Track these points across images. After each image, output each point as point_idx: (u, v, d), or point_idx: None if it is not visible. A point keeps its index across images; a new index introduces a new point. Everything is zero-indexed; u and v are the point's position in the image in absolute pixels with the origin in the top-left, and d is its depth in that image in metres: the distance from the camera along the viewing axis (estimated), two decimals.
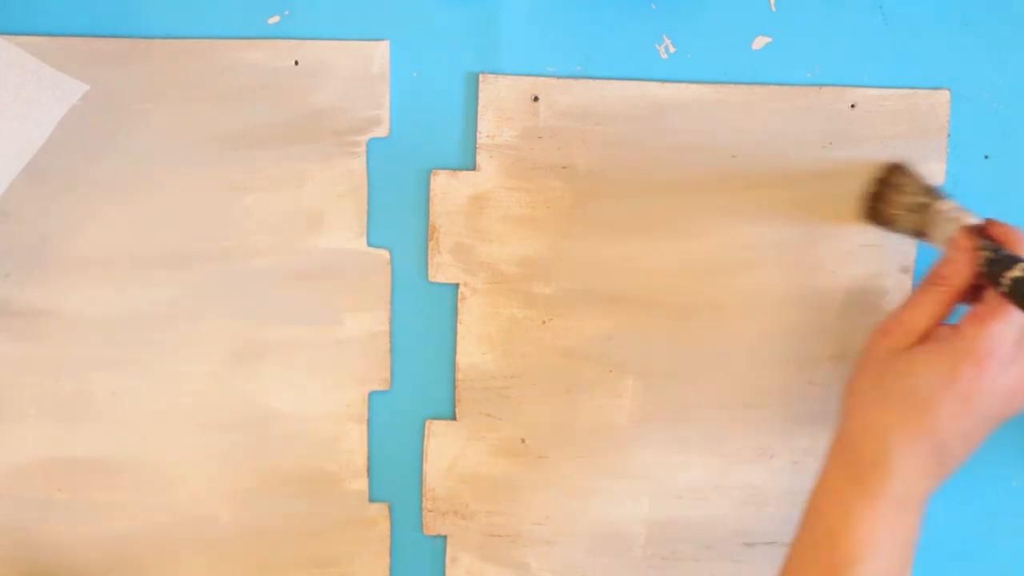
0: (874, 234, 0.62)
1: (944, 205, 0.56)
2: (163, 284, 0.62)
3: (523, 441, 0.63)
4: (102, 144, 0.61)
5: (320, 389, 0.63)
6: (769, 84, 0.62)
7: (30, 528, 0.63)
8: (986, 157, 0.62)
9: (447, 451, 0.63)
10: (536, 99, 0.61)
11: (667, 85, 0.61)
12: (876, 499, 0.52)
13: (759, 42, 0.62)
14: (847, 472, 0.54)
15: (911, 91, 0.62)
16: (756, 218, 0.62)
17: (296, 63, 0.61)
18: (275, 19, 0.61)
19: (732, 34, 0.61)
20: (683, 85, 0.61)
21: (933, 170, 0.62)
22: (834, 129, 0.62)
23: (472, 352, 0.63)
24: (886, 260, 0.62)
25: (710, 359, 0.63)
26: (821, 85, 0.62)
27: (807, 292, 0.63)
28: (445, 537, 0.64)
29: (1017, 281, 0.52)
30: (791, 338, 0.63)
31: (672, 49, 0.62)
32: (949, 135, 0.62)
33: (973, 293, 0.55)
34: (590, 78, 0.61)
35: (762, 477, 0.63)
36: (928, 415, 0.52)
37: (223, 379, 0.63)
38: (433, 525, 0.64)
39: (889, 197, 0.58)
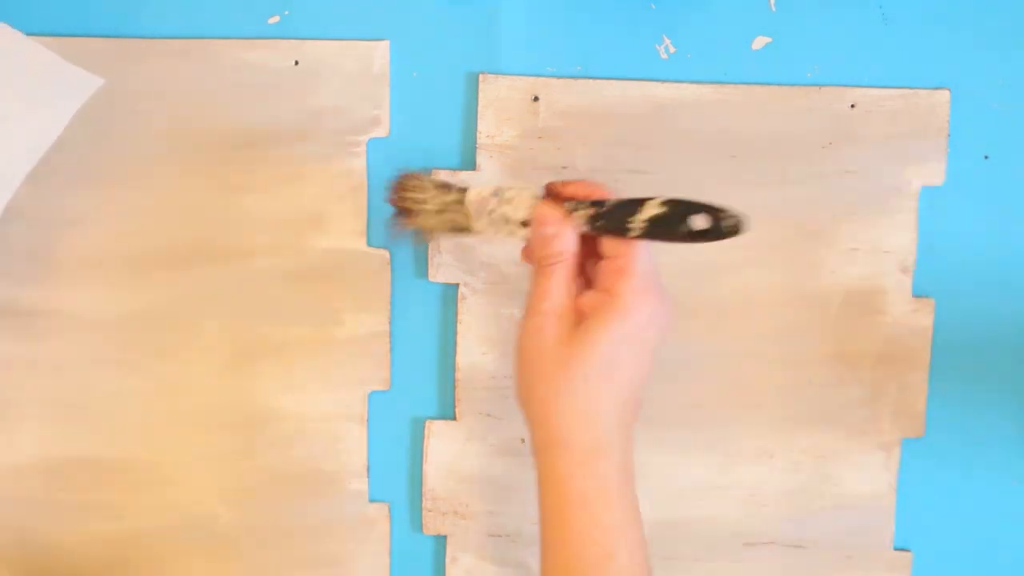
0: (869, 236, 0.62)
1: (472, 195, 0.56)
2: (163, 284, 0.62)
3: (523, 441, 0.63)
4: (102, 144, 0.61)
5: (320, 389, 0.63)
6: (769, 84, 0.62)
7: (30, 528, 0.63)
8: (986, 157, 0.62)
9: (447, 451, 0.63)
10: (536, 99, 0.61)
11: (667, 85, 0.61)
12: (606, 480, 0.53)
13: (759, 42, 0.62)
14: (576, 470, 0.53)
15: (911, 91, 0.62)
16: (756, 218, 0.62)
17: (296, 63, 0.61)
18: (275, 19, 0.61)
19: (732, 34, 0.61)
20: (683, 85, 0.61)
21: (933, 170, 0.62)
22: (834, 129, 0.62)
23: (472, 352, 0.63)
24: (886, 260, 0.62)
25: (710, 359, 0.63)
26: (821, 85, 0.62)
27: (807, 292, 0.63)
28: (445, 537, 0.64)
29: (653, 219, 0.52)
30: (791, 338, 0.63)
31: (672, 49, 0.62)
32: (949, 135, 0.62)
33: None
34: (590, 78, 0.61)
35: (762, 477, 0.63)
36: (624, 379, 0.53)
37: (223, 379, 0.63)
38: (433, 525, 0.64)
39: (414, 207, 0.58)
